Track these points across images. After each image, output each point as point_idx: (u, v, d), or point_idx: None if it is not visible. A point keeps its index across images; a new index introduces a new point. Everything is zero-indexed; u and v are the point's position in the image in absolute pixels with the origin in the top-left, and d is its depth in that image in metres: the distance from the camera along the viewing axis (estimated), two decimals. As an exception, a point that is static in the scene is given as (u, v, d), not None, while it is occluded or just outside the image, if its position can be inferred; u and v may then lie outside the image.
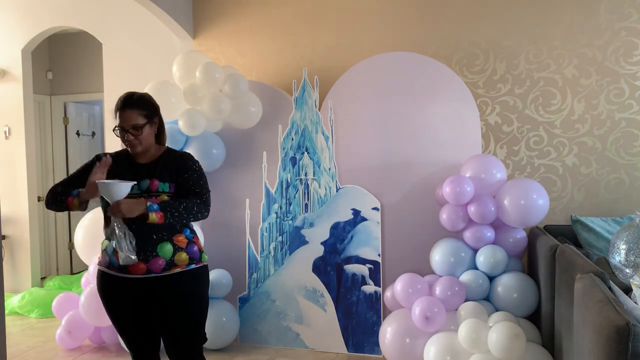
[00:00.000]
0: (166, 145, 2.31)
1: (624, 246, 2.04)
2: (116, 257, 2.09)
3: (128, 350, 2.30)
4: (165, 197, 2.11)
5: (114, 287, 2.16)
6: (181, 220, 2.11)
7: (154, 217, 2.01)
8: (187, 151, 3.19)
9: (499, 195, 3.08)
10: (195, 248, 2.22)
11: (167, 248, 2.12)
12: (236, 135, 3.76)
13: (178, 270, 2.13)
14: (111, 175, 2.12)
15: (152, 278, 2.11)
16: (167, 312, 2.15)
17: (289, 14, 4.09)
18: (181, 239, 2.17)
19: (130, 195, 2.02)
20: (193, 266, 2.18)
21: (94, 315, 3.41)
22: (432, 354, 2.89)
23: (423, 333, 3.02)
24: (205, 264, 2.26)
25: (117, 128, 2.13)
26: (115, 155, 2.21)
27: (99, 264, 2.20)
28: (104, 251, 2.18)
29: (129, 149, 2.18)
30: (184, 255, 2.15)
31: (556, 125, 3.57)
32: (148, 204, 2.01)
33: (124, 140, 2.15)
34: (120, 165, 2.17)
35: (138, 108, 2.13)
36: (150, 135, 2.18)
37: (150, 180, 2.12)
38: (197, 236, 2.26)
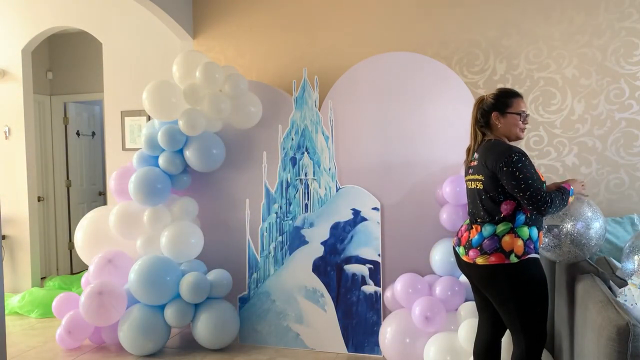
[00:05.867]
0: None
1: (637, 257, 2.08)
2: None
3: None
4: None
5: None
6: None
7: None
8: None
9: (499, 195, 3.08)
10: None
11: None
12: (236, 135, 3.76)
13: None
14: None
15: None
16: None
17: (289, 14, 4.09)
18: None
19: None
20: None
21: (94, 315, 3.41)
22: (432, 354, 2.90)
23: (423, 333, 3.03)
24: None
25: (523, 113, 2.26)
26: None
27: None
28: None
29: (521, 135, 2.30)
30: None
31: (556, 125, 3.57)
32: None
33: (522, 125, 2.28)
34: None
35: None
36: None
37: None
38: None
